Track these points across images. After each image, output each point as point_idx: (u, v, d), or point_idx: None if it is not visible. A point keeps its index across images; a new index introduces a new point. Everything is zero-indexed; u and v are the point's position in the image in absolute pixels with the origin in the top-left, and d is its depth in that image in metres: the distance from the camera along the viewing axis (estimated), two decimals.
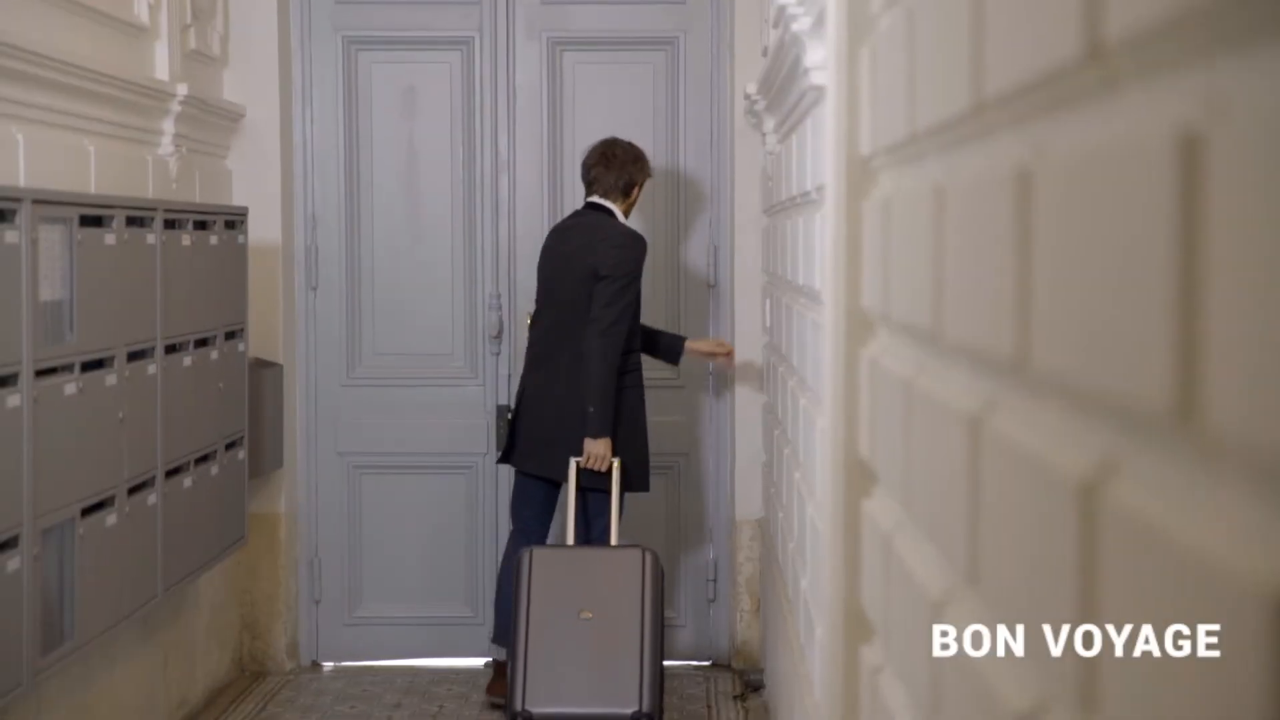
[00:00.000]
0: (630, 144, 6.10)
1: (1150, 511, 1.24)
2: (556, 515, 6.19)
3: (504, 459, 6.15)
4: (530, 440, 6.00)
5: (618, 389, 5.89)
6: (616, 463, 5.88)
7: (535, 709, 5.29)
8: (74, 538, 4.30)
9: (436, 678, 6.52)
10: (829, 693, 2.87)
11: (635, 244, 5.95)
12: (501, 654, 6.10)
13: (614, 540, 5.84)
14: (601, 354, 5.82)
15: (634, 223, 6.39)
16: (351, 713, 6.17)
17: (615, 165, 5.99)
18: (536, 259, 6.21)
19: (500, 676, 6.11)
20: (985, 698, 1.73)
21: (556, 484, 6.10)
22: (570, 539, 5.82)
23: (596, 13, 6.70)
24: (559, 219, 6.43)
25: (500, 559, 6.26)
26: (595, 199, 6.03)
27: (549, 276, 6.05)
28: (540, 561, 5.51)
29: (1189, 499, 1.18)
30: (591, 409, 5.82)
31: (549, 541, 6.15)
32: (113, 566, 4.59)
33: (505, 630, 6.07)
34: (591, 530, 5.95)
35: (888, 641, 2.48)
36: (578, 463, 5.86)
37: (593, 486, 5.91)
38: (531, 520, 6.12)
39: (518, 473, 6.11)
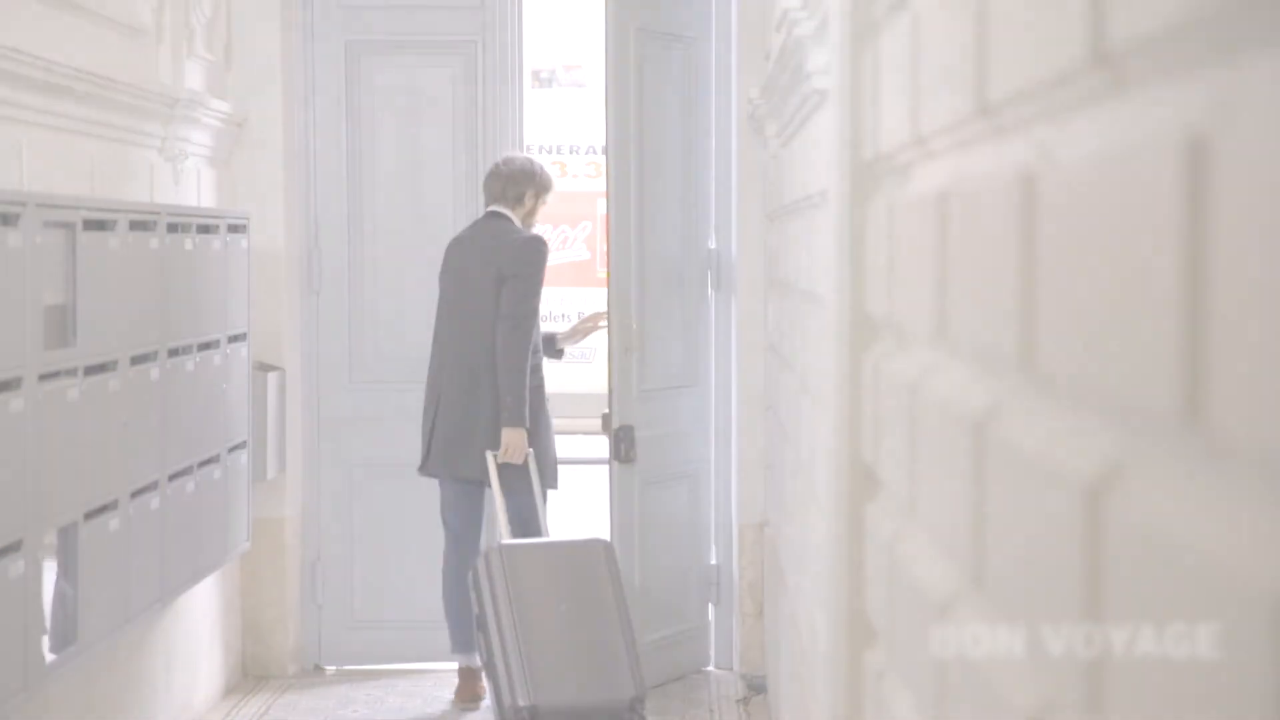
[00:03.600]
0: (527, 159, 6.37)
1: (1156, 514, 1.24)
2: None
3: (421, 468, 6.21)
4: (443, 444, 6.08)
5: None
6: (531, 454, 5.98)
7: (542, 702, 5.32)
8: (77, 542, 4.30)
9: (440, 681, 6.52)
10: (832, 697, 2.87)
11: (539, 244, 6.15)
12: (467, 660, 6.17)
13: (546, 532, 5.94)
14: (515, 348, 5.97)
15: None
16: (355, 716, 6.17)
17: (501, 177, 6.22)
18: None
19: (467, 681, 6.16)
20: (990, 701, 1.73)
21: (479, 487, 6.16)
22: (505, 535, 5.87)
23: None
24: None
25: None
26: (494, 208, 6.21)
27: (452, 285, 6.17)
28: (507, 558, 5.57)
29: (1195, 501, 1.17)
30: (509, 399, 5.94)
31: (482, 543, 6.21)
32: (116, 570, 4.59)
33: (463, 638, 6.11)
34: (526, 528, 6.01)
35: (892, 646, 2.48)
36: (494, 456, 5.93)
37: (514, 487, 5.98)
38: (460, 525, 6.19)
39: (442, 480, 6.17)
